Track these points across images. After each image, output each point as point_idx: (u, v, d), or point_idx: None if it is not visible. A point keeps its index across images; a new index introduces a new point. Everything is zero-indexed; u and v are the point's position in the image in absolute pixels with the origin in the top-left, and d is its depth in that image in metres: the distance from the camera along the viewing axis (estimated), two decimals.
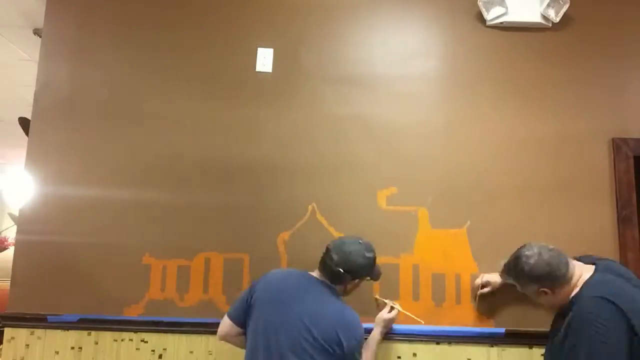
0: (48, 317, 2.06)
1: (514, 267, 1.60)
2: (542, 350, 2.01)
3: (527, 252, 1.57)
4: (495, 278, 1.97)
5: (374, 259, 1.77)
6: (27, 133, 2.34)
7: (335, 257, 1.70)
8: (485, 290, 2.02)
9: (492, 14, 2.25)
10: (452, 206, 2.15)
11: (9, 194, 7.04)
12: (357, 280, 1.77)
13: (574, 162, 2.18)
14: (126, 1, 2.34)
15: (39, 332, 2.07)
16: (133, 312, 2.08)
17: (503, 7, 2.23)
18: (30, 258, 2.14)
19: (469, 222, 2.13)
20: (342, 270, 1.69)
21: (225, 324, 1.76)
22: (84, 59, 2.30)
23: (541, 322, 2.05)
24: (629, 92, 2.25)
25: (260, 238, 2.13)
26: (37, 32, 2.92)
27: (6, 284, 2.18)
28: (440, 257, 2.11)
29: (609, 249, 2.11)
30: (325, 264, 1.72)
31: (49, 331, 2.07)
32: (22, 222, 2.20)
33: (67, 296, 2.09)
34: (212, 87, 2.26)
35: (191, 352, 2.04)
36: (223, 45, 2.29)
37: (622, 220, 2.12)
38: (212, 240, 2.12)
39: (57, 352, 2.06)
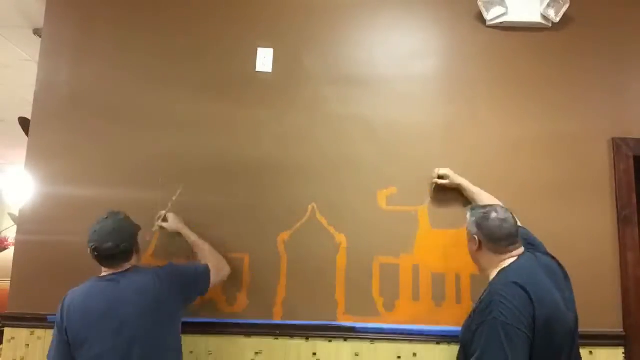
0: (48, 317, 2.06)
1: (480, 208, 1.69)
2: None
3: (499, 210, 1.65)
4: (452, 174, 2.08)
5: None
6: (27, 133, 2.34)
7: (111, 244, 1.67)
8: (442, 182, 2.08)
9: (492, 14, 2.26)
10: (452, 206, 2.15)
11: (9, 194, 7.04)
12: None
13: (574, 162, 2.18)
14: (126, 1, 2.34)
15: (39, 332, 2.07)
16: None
17: (503, 7, 2.23)
18: (30, 258, 2.14)
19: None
20: (126, 245, 1.70)
21: None
22: (84, 59, 2.30)
23: None
24: (629, 92, 2.25)
25: (261, 238, 2.13)
26: (37, 32, 2.92)
27: (6, 284, 2.18)
28: (440, 257, 2.11)
29: (609, 249, 2.11)
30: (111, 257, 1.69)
31: (49, 331, 2.06)
32: (22, 222, 2.20)
33: None
34: (212, 87, 2.26)
35: (191, 352, 2.04)
36: (223, 45, 2.29)
37: (622, 220, 2.12)
38: (212, 240, 2.12)
39: None
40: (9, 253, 3.87)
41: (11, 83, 3.88)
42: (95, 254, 1.68)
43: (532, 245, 1.73)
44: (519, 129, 2.21)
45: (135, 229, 1.78)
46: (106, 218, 1.72)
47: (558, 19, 2.23)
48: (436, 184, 2.10)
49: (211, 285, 1.86)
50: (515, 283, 1.48)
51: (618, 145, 2.19)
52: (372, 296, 2.08)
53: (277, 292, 2.09)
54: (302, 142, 2.21)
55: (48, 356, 1.70)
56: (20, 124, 3.30)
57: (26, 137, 2.33)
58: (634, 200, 2.14)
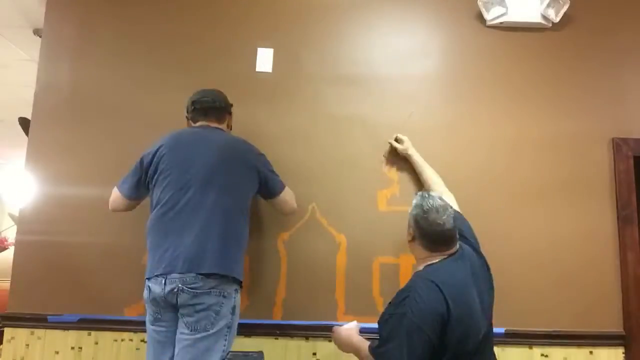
0: (48, 317, 2.06)
1: (424, 203, 1.61)
2: (542, 350, 2.03)
3: (441, 211, 1.58)
4: (408, 144, 2.13)
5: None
6: (27, 133, 2.34)
7: (209, 98, 1.89)
8: (396, 144, 2.14)
9: (492, 14, 2.26)
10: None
11: (9, 194, 7.04)
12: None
13: (574, 162, 2.18)
14: (126, 1, 2.34)
15: (39, 332, 2.07)
16: (133, 312, 2.08)
17: (503, 7, 2.23)
18: (30, 258, 2.14)
19: (468, 222, 2.13)
20: (221, 104, 1.92)
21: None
22: (84, 59, 2.30)
23: (541, 322, 2.06)
24: (629, 92, 2.25)
25: (261, 238, 2.13)
26: (37, 32, 2.92)
27: (6, 284, 2.18)
28: None
29: (609, 249, 2.11)
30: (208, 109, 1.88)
31: (49, 331, 2.07)
32: (22, 222, 2.20)
33: (67, 296, 2.09)
34: (212, 87, 2.25)
35: None
36: (223, 45, 2.29)
37: (622, 220, 2.12)
38: None
39: (57, 352, 2.06)
40: (9, 253, 3.87)
41: (11, 83, 3.87)
42: (193, 107, 1.88)
43: (464, 238, 1.69)
44: (519, 129, 2.21)
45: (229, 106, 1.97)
46: (209, 89, 1.94)
47: (558, 19, 2.23)
48: (391, 145, 2.16)
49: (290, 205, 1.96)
50: (433, 282, 1.47)
51: (618, 145, 2.19)
52: (372, 296, 2.08)
53: (277, 292, 2.09)
54: (302, 142, 2.21)
55: (120, 184, 1.88)
56: (20, 124, 3.30)
57: (26, 137, 2.33)
58: (634, 200, 2.14)
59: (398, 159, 2.19)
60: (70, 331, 2.07)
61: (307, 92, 2.26)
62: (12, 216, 5.33)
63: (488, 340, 1.54)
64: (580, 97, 2.24)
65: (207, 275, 1.61)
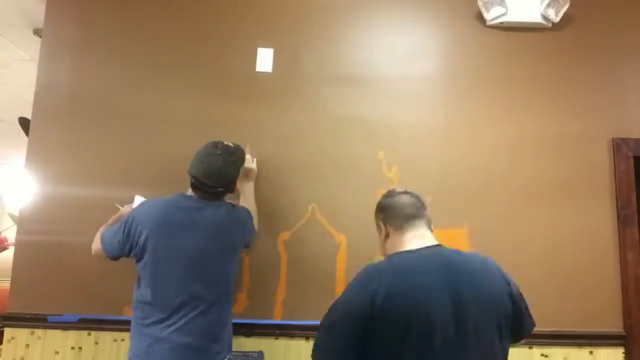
0: (48, 317, 2.06)
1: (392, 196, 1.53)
2: (542, 350, 2.03)
3: (400, 193, 1.50)
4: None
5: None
6: (27, 133, 2.34)
7: (209, 182, 1.74)
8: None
9: (492, 14, 2.26)
10: (452, 206, 2.15)
11: (9, 194, 7.03)
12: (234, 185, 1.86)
13: (574, 162, 2.18)
14: (126, 1, 2.34)
15: (39, 332, 2.07)
16: None
17: (503, 7, 2.23)
18: (30, 258, 2.14)
19: (468, 222, 2.13)
20: (221, 189, 1.78)
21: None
22: (84, 59, 2.29)
23: (541, 322, 2.05)
24: (629, 92, 2.25)
25: (261, 238, 2.12)
26: (37, 32, 2.92)
27: (6, 284, 2.18)
28: None
29: (609, 249, 2.11)
30: (204, 191, 1.76)
31: (49, 331, 2.07)
32: (22, 222, 2.20)
33: (67, 296, 2.09)
34: (212, 87, 2.26)
35: None
36: (223, 45, 2.29)
37: (622, 220, 2.12)
38: None
39: (57, 352, 2.06)
40: (9, 253, 3.87)
41: (11, 83, 3.87)
42: (192, 181, 1.76)
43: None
44: (519, 129, 2.21)
45: (237, 174, 1.83)
46: (219, 154, 1.76)
47: (558, 19, 2.23)
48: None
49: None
50: (377, 270, 1.32)
51: (618, 145, 2.19)
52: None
53: (277, 292, 2.09)
54: (302, 142, 2.21)
55: (104, 239, 1.77)
56: (20, 124, 3.30)
57: (26, 137, 2.33)
58: (634, 200, 2.14)
59: (398, 159, 2.19)
60: (70, 331, 2.07)
61: (307, 92, 2.26)
62: (12, 216, 5.33)
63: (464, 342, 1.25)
64: (580, 97, 2.24)
65: None
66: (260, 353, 1.96)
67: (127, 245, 1.70)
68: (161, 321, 1.62)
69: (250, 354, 1.94)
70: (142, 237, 1.67)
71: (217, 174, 1.74)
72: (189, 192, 1.79)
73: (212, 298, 1.68)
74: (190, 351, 1.61)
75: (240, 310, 2.07)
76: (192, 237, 1.68)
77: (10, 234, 5.40)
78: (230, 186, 1.81)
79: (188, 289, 1.65)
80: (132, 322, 1.69)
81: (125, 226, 1.71)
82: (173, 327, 1.61)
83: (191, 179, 1.76)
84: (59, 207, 2.17)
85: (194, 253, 1.67)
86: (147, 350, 1.61)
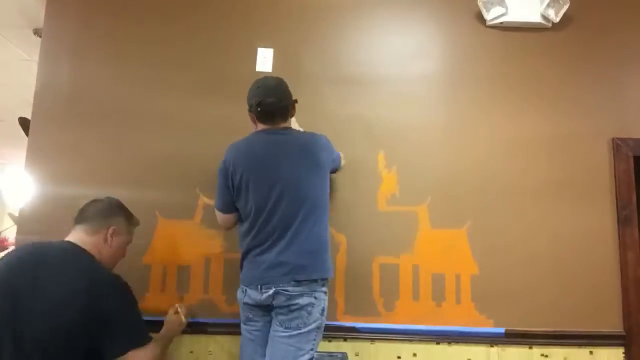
0: None
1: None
2: (542, 350, 2.03)
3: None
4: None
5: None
6: (27, 133, 2.34)
7: (273, 99, 1.77)
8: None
9: (492, 14, 2.26)
10: (452, 206, 2.15)
11: (9, 194, 7.04)
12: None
13: (574, 162, 2.19)
14: (126, 1, 2.34)
15: None
16: None
17: (503, 7, 2.23)
18: None
19: (469, 222, 2.13)
20: (287, 103, 1.82)
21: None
22: (84, 59, 2.29)
23: (541, 322, 2.06)
24: (629, 92, 2.26)
25: None
26: (37, 32, 2.92)
27: None
28: (440, 257, 2.11)
29: (609, 249, 2.11)
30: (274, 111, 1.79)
31: None
32: (22, 222, 2.20)
33: None
34: (212, 87, 2.26)
35: (191, 352, 2.04)
36: (223, 45, 2.29)
37: (622, 220, 2.12)
38: (212, 240, 2.13)
39: None
40: None
41: (11, 83, 3.88)
42: (258, 109, 1.76)
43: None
44: (519, 129, 2.21)
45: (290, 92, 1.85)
46: (267, 77, 1.83)
47: (558, 19, 2.23)
48: None
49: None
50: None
51: (618, 145, 2.19)
52: (372, 296, 2.08)
53: None
54: None
55: (216, 203, 1.86)
56: (20, 124, 3.30)
57: (26, 137, 2.33)
58: (634, 200, 2.14)
59: (398, 159, 2.19)
60: None
61: (307, 92, 2.25)
62: (12, 216, 5.33)
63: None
64: (580, 97, 2.24)
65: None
66: (345, 354, 1.99)
67: (231, 191, 1.78)
68: (268, 247, 1.69)
69: (335, 354, 1.98)
70: (237, 177, 1.74)
71: (276, 89, 1.79)
72: (259, 128, 1.83)
73: (310, 217, 1.71)
74: (295, 269, 1.66)
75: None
76: (281, 163, 1.73)
77: (10, 234, 5.40)
78: (291, 100, 1.83)
79: (286, 213, 1.69)
80: (241, 255, 1.79)
81: (221, 178, 1.80)
82: (275, 250, 1.68)
83: (256, 109, 1.77)
84: (59, 207, 2.16)
85: (286, 176, 1.71)
86: (262, 275, 1.67)
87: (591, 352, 2.04)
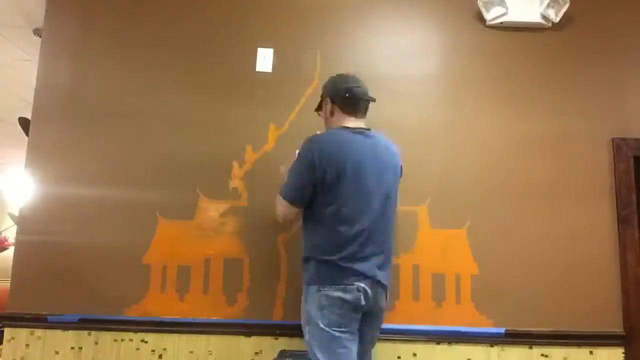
0: (48, 317, 2.06)
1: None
2: (542, 350, 2.03)
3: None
4: None
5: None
6: (27, 133, 2.34)
7: (363, 88, 1.77)
8: None
9: (492, 14, 2.26)
10: (452, 206, 2.15)
11: (9, 194, 7.04)
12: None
13: (574, 162, 2.18)
14: (126, 1, 2.34)
15: (39, 332, 2.07)
16: (133, 312, 2.07)
17: (503, 7, 2.23)
18: (30, 258, 2.14)
19: (468, 222, 2.13)
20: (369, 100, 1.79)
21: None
22: (84, 59, 2.29)
23: (541, 322, 2.06)
24: (629, 92, 2.26)
25: (261, 239, 2.13)
26: (37, 32, 2.92)
27: (6, 284, 2.18)
28: (440, 257, 2.11)
29: (609, 249, 2.11)
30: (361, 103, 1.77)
31: (49, 331, 2.07)
32: (22, 222, 2.20)
33: (67, 296, 2.09)
34: (212, 87, 2.26)
35: (191, 352, 2.04)
36: (223, 45, 2.29)
37: (622, 220, 2.12)
38: (212, 240, 2.13)
39: (57, 352, 2.06)
40: (9, 253, 3.86)
41: (11, 83, 3.87)
42: (347, 94, 1.74)
43: None
44: (519, 129, 2.21)
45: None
46: (349, 74, 1.82)
47: (558, 19, 2.24)
48: None
49: None
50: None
51: (618, 145, 2.19)
52: None
53: (277, 292, 2.09)
54: (301, 141, 2.20)
55: (288, 195, 1.71)
56: (20, 124, 3.30)
57: (26, 137, 2.33)
58: (634, 200, 2.14)
59: None
60: (70, 331, 2.07)
61: (307, 92, 2.25)
62: (12, 216, 5.33)
63: None
64: (580, 97, 2.24)
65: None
66: None
67: (316, 188, 1.67)
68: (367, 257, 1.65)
69: None
70: (331, 174, 1.64)
71: (360, 79, 1.81)
72: (345, 122, 1.76)
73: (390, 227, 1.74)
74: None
75: (240, 310, 2.07)
76: (383, 172, 1.72)
77: (10, 234, 5.41)
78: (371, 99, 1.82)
79: (385, 221, 1.71)
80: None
81: (305, 171, 1.68)
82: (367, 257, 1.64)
83: (344, 99, 1.74)
84: (59, 207, 2.17)
85: (375, 180, 1.69)
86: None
87: (591, 352, 2.04)
